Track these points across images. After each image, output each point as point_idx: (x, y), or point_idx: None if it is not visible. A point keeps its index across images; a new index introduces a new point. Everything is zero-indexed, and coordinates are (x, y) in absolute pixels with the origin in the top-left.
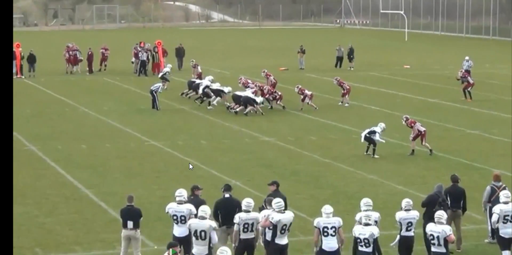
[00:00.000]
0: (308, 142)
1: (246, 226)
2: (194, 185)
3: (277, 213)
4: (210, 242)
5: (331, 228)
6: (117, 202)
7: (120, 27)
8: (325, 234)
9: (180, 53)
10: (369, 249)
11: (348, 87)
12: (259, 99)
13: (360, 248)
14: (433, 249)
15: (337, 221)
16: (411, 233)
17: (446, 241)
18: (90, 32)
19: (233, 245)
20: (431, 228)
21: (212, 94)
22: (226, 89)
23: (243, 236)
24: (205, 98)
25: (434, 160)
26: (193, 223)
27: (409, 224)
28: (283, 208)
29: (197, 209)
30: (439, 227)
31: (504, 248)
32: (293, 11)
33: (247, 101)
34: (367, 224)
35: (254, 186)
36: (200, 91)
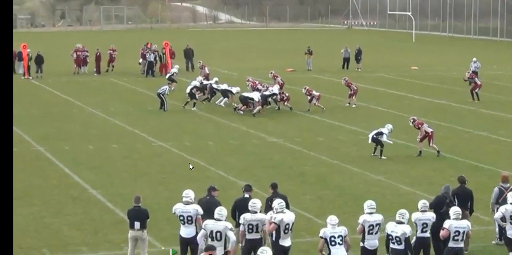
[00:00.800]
0: (315, 143)
1: (250, 226)
2: (211, 185)
3: (279, 214)
4: (225, 243)
5: (338, 237)
6: (124, 202)
7: (128, 28)
8: (333, 243)
9: (188, 54)
10: (401, 247)
11: (355, 88)
12: (235, 89)
13: (392, 246)
14: (451, 244)
15: (343, 230)
16: (426, 234)
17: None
18: (97, 33)
19: (240, 245)
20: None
21: (197, 95)
22: (234, 90)
23: (249, 236)
24: (189, 99)
25: (442, 161)
26: (209, 224)
27: (424, 225)
28: (284, 208)
29: (213, 210)
30: (463, 223)
31: None
32: (300, 12)
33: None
34: (400, 223)
35: (261, 187)
36: (188, 90)
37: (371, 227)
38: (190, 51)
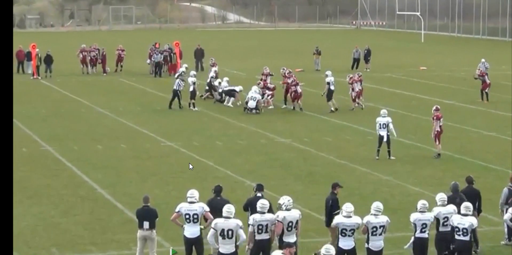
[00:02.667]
0: (323, 143)
1: (260, 227)
2: (218, 186)
3: (283, 211)
4: (236, 240)
5: (350, 230)
6: (133, 202)
7: (136, 28)
8: (343, 234)
9: (198, 54)
10: (467, 238)
11: (360, 89)
12: (238, 87)
13: (457, 237)
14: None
15: (355, 223)
16: (425, 235)
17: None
18: (106, 33)
19: (247, 246)
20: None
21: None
22: (238, 88)
23: (258, 237)
24: (210, 93)
25: (450, 162)
26: (219, 222)
27: (424, 226)
28: (291, 206)
29: (215, 210)
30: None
31: None
32: (309, 12)
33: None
34: (465, 215)
35: (270, 187)
36: (191, 89)
37: (375, 229)
38: (200, 51)
